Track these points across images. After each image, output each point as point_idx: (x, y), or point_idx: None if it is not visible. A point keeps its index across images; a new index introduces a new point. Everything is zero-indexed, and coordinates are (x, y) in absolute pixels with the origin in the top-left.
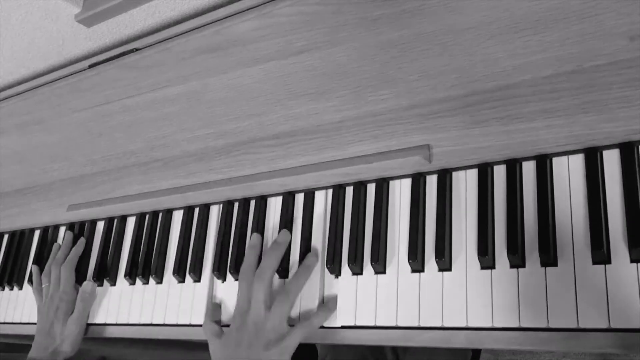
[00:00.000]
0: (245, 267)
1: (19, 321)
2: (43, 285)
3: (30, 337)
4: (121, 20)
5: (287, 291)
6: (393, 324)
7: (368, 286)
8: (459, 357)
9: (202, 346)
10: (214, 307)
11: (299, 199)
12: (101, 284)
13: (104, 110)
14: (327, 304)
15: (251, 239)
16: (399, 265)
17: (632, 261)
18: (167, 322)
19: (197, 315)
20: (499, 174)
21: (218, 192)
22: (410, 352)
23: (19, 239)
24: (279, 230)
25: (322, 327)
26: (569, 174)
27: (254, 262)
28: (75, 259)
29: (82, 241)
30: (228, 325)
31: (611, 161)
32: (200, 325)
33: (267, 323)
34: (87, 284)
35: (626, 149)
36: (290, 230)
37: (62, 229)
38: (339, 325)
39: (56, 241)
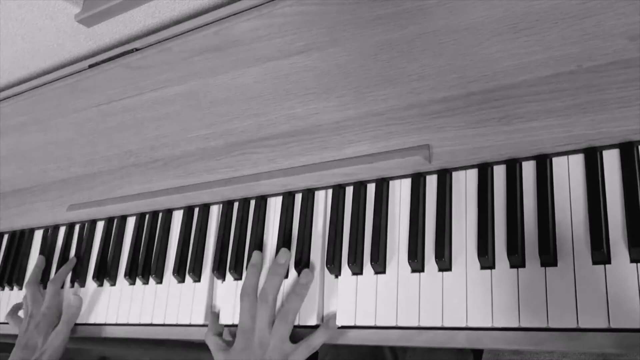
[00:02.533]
0: (246, 286)
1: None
2: (23, 306)
3: None
4: (121, 20)
5: (286, 312)
6: (393, 324)
7: (368, 286)
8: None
9: (202, 346)
10: (215, 320)
11: (299, 199)
12: (101, 284)
13: (104, 110)
14: (328, 322)
15: (253, 257)
16: (398, 265)
17: (632, 261)
18: (167, 322)
19: (197, 315)
20: (499, 174)
21: (218, 192)
22: (410, 352)
23: (19, 239)
24: (279, 230)
25: None
26: (569, 174)
27: (255, 281)
28: (63, 277)
29: (72, 260)
30: (233, 325)
31: (611, 161)
32: (200, 325)
33: (270, 344)
34: (76, 299)
35: (626, 149)
36: (290, 230)
37: (62, 229)
38: (339, 325)
39: (56, 241)
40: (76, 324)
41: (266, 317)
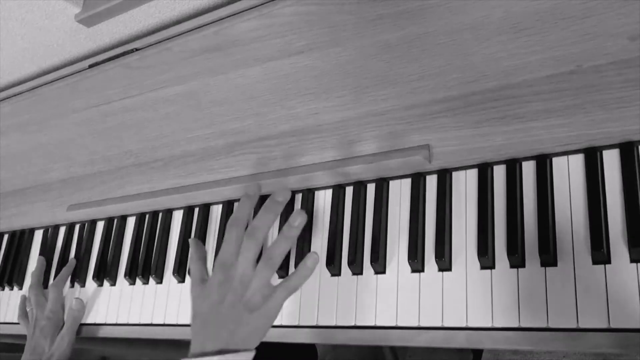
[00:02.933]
0: (236, 217)
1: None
2: (27, 309)
3: None
4: (121, 20)
5: (272, 254)
6: (393, 324)
7: (368, 286)
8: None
9: None
10: (199, 244)
11: (299, 199)
12: (101, 284)
13: (104, 110)
14: (306, 261)
15: (250, 188)
16: (398, 265)
17: (632, 261)
18: (167, 322)
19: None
20: (499, 174)
21: (218, 192)
22: (410, 352)
23: (19, 239)
24: (279, 230)
25: (322, 326)
26: (569, 174)
27: (246, 214)
28: (64, 279)
29: (72, 262)
30: None
31: (611, 161)
32: None
33: (253, 283)
34: (77, 302)
35: (626, 149)
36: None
37: (62, 229)
38: (339, 325)
39: (56, 241)
40: None
41: (252, 254)
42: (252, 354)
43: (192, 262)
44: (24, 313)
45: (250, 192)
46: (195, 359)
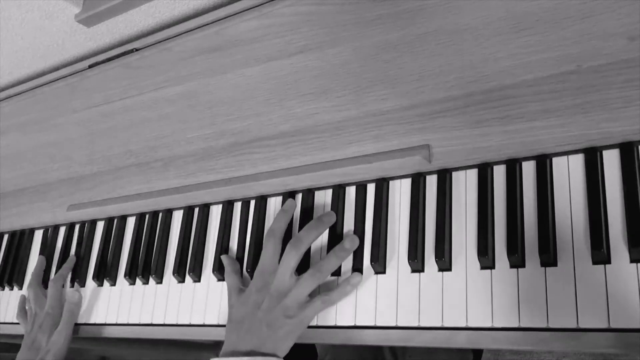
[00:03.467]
0: (274, 228)
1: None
2: (27, 307)
3: None
4: (121, 20)
5: (320, 267)
6: (393, 324)
7: (368, 286)
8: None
9: (202, 346)
10: (232, 261)
11: (299, 199)
12: (101, 284)
13: (104, 110)
14: (350, 280)
15: (287, 203)
16: (398, 265)
17: (632, 261)
18: (167, 322)
19: (197, 315)
20: (499, 174)
21: (218, 192)
22: (410, 353)
23: (19, 239)
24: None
25: (322, 326)
26: (569, 174)
27: (283, 226)
28: (64, 276)
29: (72, 258)
30: None
31: (611, 161)
32: (200, 325)
33: (292, 292)
34: (74, 295)
35: (626, 149)
36: (290, 231)
37: (62, 229)
38: (339, 325)
39: (56, 241)
40: (76, 324)
41: (293, 263)
42: None
43: (227, 276)
44: (22, 311)
45: (286, 208)
46: (225, 357)
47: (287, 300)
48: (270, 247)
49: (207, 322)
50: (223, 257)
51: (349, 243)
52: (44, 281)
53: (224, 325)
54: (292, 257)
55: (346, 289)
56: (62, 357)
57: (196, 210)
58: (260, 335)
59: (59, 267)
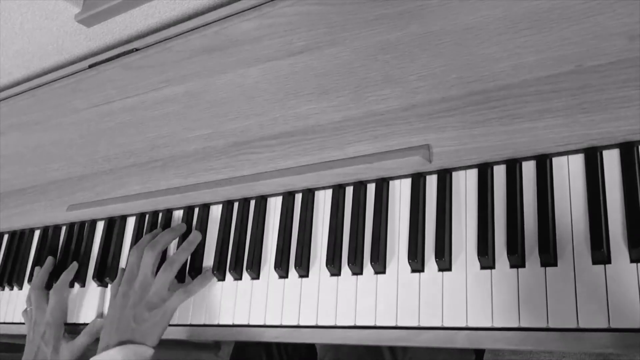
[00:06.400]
0: (143, 241)
1: (19, 321)
2: (27, 309)
3: None
4: (121, 20)
5: (172, 261)
6: (393, 324)
7: (368, 286)
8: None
9: (202, 346)
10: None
11: (299, 199)
12: (101, 284)
13: (104, 110)
14: (205, 273)
15: (178, 226)
16: (398, 265)
17: (632, 261)
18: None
19: (196, 315)
20: (499, 174)
21: (218, 192)
22: (410, 353)
23: (19, 239)
24: (279, 230)
25: (322, 326)
26: (569, 174)
27: (147, 240)
28: (66, 284)
29: (74, 265)
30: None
31: (611, 161)
32: (200, 325)
33: (152, 287)
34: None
35: (626, 149)
36: (290, 230)
37: (62, 229)
38: (339, 325)
39: (56, 241)
40: (76, 324)
41: (150, 263)
42: (151, 350)
43: (113, 287)
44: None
45: (175, 228)
46: (100, 352)
47: (149, 294)
48: (134, 257)
49: (207, 323)
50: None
51: (193, 236)
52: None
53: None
54: (150, 258)
55: (203, 281)
56: None
57: (196, 210)
58: (129, 329)
59: (59, 268)
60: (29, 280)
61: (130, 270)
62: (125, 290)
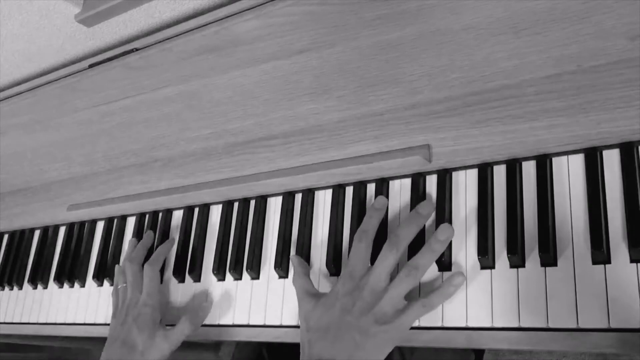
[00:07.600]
0: (366, 228)
1: (18, 321)
2: (119, 286)
3: (30, 337)
4: (121, 20)
5: (416, 266)
6: None
7: None
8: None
9: (202, 346)
10: (302, 263)
11: (299, 199)
12: (101, 284)
13: (104, 110)
14: (452, 280)
15: (377, 201)
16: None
17: (632, 261)
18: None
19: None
20: (499, 174)
21: (218, 192)
22: (417, 353)
23: (19, 239)
24: (279, 230)
25: None
26: (569, 174)
27: (376, 225)
28: (162, 258)
29: (171, 239)
30: (224, 325)
31: (611, 161)
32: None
33: (387, 294)
34: (204, 308)
35: (626, 149)
36: (290, 230)
37: (62, 229)
38: None
39: (56, 241)
40: (73, 324)
41: (391, 264)
42: None
43: (297, 278)
44: (116, 287)
45: (377, 205)
46: None
47: (382, 303)
48: (361, 247)
49: (206, 323)
50: (292, 258)
51: (443, 234)
52: (45, 281)
53: (224, 325)
54: (391, 257)
55: (449, 290)
56: None
57: (196, 210)
58: (352, 343)
59: (59, 268)
60: (29, 280)
61: (354, 264)
62: (350, 289)
